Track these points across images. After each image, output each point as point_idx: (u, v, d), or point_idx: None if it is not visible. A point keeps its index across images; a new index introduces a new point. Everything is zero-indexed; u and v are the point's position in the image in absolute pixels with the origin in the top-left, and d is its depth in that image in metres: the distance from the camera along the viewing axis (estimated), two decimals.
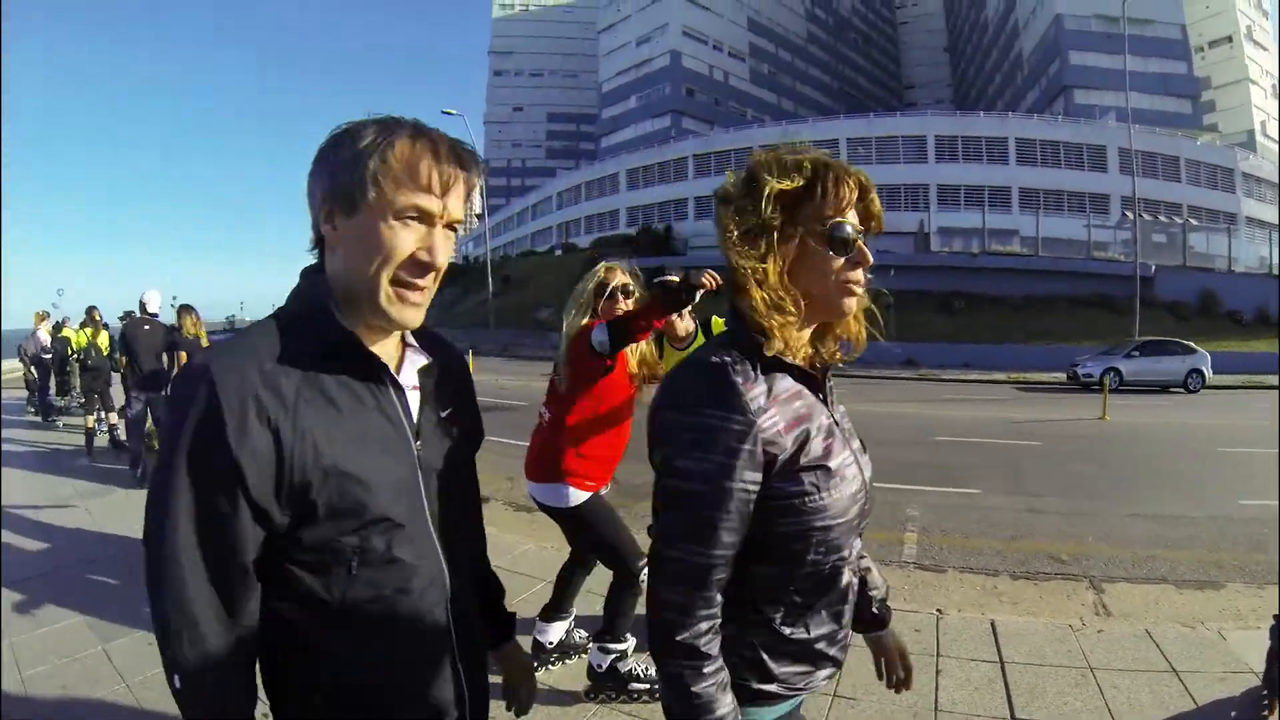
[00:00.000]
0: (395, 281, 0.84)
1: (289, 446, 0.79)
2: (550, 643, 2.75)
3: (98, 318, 8.89)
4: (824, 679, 1.02)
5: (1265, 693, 2.53)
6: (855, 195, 0.95)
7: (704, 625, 0.89)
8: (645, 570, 2.52)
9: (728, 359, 0.91)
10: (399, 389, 0.91)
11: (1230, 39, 45.21)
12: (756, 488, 0.89)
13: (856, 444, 1.04)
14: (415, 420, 0.92)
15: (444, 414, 0.99)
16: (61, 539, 4.51)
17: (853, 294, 0.96)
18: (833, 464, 0.94)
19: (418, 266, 0.85)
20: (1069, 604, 3.76)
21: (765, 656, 0.97)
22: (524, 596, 3.41)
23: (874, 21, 70.62)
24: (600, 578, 2.73)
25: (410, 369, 0.95)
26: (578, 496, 2.44)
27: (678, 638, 0.88)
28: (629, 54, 57.00)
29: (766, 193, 0.91)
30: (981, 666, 2.83)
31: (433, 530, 0.92)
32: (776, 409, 0.91)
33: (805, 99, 60.83)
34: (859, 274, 0.96)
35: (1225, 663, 2.86)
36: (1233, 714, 2.51)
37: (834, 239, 0.93)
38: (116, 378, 7.54)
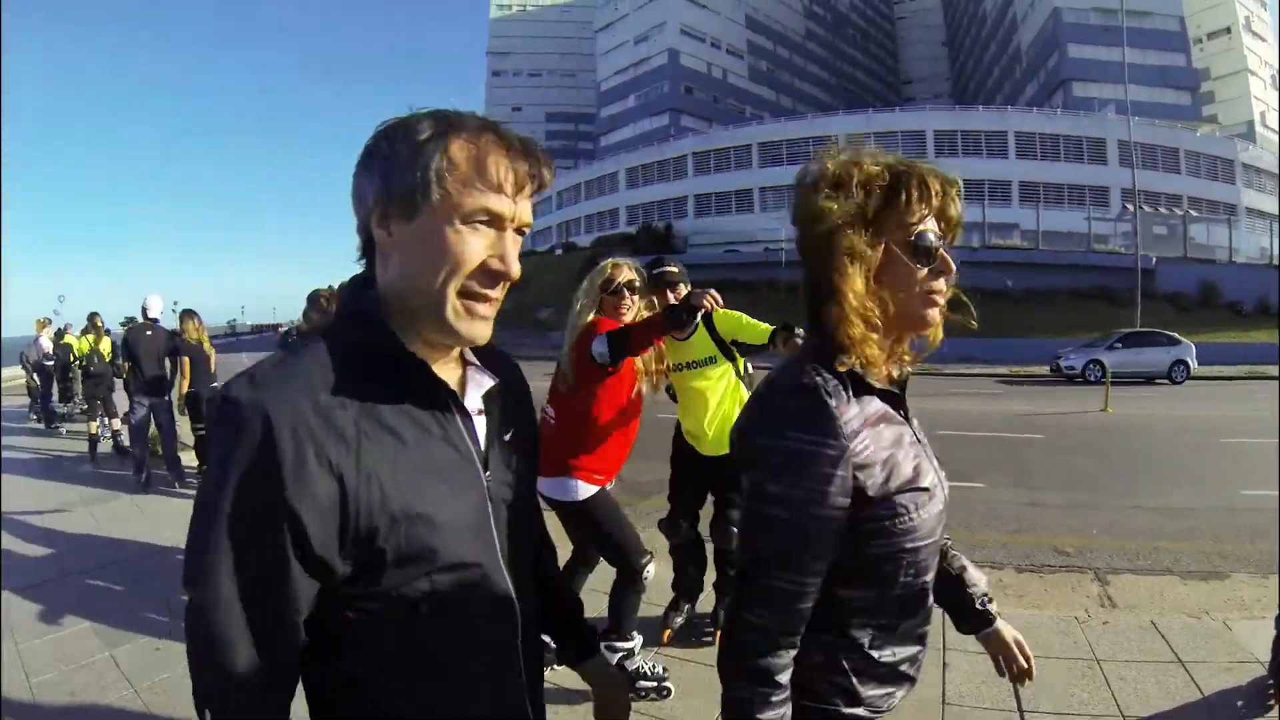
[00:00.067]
0: (463, 293, 0.75)
1: (352, 490, 0.70)
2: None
3: (99, 324, 8.90)
4: (900, 698, 1.00)
5: (1271, 682, 2.53)
6: (939, 201, 0.90)
7: (784, 654, 0.87)
8: (648, 568, 2.53)
9: (819, 380, 0.86)
10: (465, 415, 0.82)
11: (1229, 30, 45.03)
12: (847, 513, 0.86)
13: (935, 459, 1.01)
14: (483, 448, 0.84)
15: (507, 437, 0.89)
16: (66, 545, 4.52)
17: (935, 304, 0.92)
18: (925, 484, 0.92)
19: (489, 276, 0.76)
20: (1074, 596, 3.76)
21: (854, 681, 0.94)
22: None
23: (872, 17, 70.45)
24: (604, 576, 2.73)
25: (475, 391, 0.85)
26: (585, 490, 2.45)
27: (754, 663, 0.86)
28: (627, 53, 56.84)
29: (859, 200, 0.86)
30: (988, 659, 2.81)
31: (503, 564, 0.83)
32: (868, 432, 0.87)
33: (804, 95, 60.64)
34: (941, 283, 0.91)
35: (1231, 653, 2.86)
36: (1239, 704, 2.52)
37: (918, 248, 0.89)
38: (119, 383, 7.57)
